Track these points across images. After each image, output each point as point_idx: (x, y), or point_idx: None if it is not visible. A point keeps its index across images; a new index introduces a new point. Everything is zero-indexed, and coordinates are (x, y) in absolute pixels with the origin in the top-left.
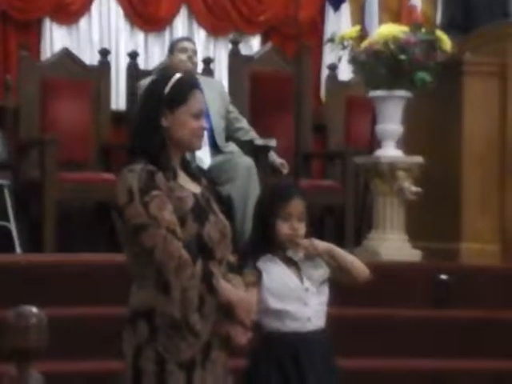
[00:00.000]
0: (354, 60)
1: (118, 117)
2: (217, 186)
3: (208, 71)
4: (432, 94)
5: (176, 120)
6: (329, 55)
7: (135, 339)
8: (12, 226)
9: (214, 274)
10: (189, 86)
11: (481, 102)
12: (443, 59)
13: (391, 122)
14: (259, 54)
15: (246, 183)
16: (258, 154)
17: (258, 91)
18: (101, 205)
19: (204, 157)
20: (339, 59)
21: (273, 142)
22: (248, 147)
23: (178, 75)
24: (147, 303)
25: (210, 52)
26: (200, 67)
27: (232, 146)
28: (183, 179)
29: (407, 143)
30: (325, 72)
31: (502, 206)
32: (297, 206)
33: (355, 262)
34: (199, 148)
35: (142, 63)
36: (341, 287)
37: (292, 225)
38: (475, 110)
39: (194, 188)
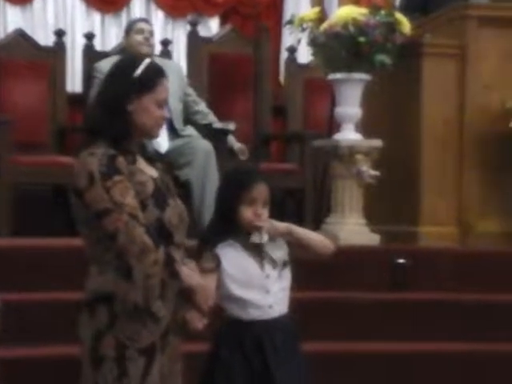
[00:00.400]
0: (313, 42)
1: (74, 99)
2: (174, 170)
3: (166, 53)
4: (391, 76)
5: (141, 106)
6: (288, 37)
7: (94, 324)
8: None
9: (176, 259)
10: (158, 73)
11: (440, 84)
12: (402, 41)
13: (350, 105)
14: (218, 35)
15: (204, 167)
16: (216, 137)
17: (216, 73)
18: (57, 188)
19: (162, 141)
20: (298, 41)
21: (232, 126)
22: (206, 131)
23: (147, 60)
24: (107, 288)
25: (168, 34)
26: (158, 49)
27: (190, 130)
28: (141, 163)
29: (366, 126)
30: (284, 54)
31: (460, 189)
32: (261, 190)
33: (317, 238)
34: (157, 137)
35: (98, 44)
36: (299, 271)
37: (256, 210)
38: (434, 92)
39: (152, 172)
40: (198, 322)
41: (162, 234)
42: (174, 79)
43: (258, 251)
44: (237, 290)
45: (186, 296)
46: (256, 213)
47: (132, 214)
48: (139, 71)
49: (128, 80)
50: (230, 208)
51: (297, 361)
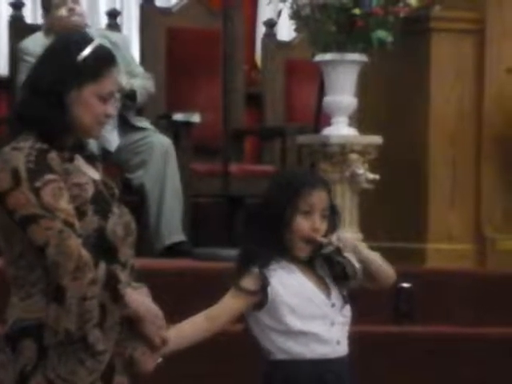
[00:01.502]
0: (296, 15)
1: None
2: (125, 173)
3: (114, 26)
4: (392, 57)
5: (80, 98)
6: (266, 9)
7: (17, 363)
8: None
9: (120, 279)
10: (107, 59)
11: (452, 67)
12: (406, 14)
13: (343, 93)
14: (178, 5)
15: (161, 168)
16: (177, 131)
17: (176, 52)
18: None
19: (111, 136)
20: (278, 14)
21: (196, 117)
22: (164, 123)
23: (96, 43)
24: (34, 316)
25: (117, 3)
26: (104, 21)
27: (144, 122)
28: (80, 162)
29: (362, 119)
30: (261, 30)
31: (477, 197)
32: (321, 198)
33: (384, 265)
34: (97, 137)
35: (28, 16)
36: None
37: (314, 223)
38: (445, 77)
39: (93, 173)
40: (149, 361)
41: (103, 247)
42: (121, 57)
43: (316, 276)
44: (295, 322)
45: (132, 326)
46: (314, 227)
47: (67, 221)
48: (84, 54)
49: (68, 64)
50: (281, 218)
51: None
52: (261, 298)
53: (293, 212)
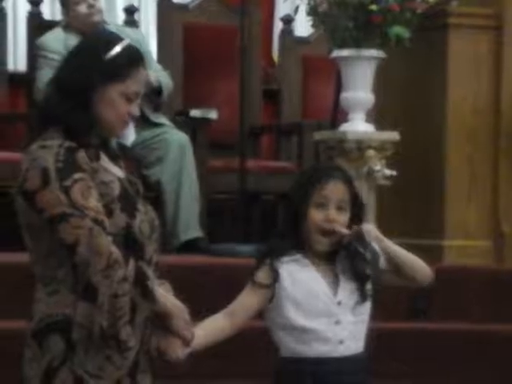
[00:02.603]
0: (313, 11)
1: (15, 80)
2: (143, 169)
3: (131, 23)
4: (410, 53)
5: (106, 97)
6: (283, 5)
7: (44, 359)
8: None
9: (149, 275)
10: (135, 59)
11: (470, 63)
12: (424, 10)
13: (360, 89)
14: (195, 2)
15: (178, 165)
16: (194, 128)
17: (193, 49)
18: None
19: (128, 132)
20: (296, 10)
21: (213, 114)
22: (182, 120)
23: (125, 42)
24: (62, 313)
25: (134, 0)
26: (121, 18)
27: (162, 118)
28: (105, 161)
29: (379, 115)
30: (278, 26)
31: (495, 194)
32: (335, 189)
33: (414, 260)
34: (119, 137)
35: (46, 12)
36: None
37: (328, 214)
38: (463, 72)
39: (117, 171)
40: (179, 351)
41: (130, 245)
42: None
43: (332, 272)
44: (297, 318)
45: (159, 322)
46: (328, 217)
47: (96, 219)
48: (112, 54)
49: (96, 63)
50: (297, 210)
51: None
52: (273, 291)
53: (307, 204)
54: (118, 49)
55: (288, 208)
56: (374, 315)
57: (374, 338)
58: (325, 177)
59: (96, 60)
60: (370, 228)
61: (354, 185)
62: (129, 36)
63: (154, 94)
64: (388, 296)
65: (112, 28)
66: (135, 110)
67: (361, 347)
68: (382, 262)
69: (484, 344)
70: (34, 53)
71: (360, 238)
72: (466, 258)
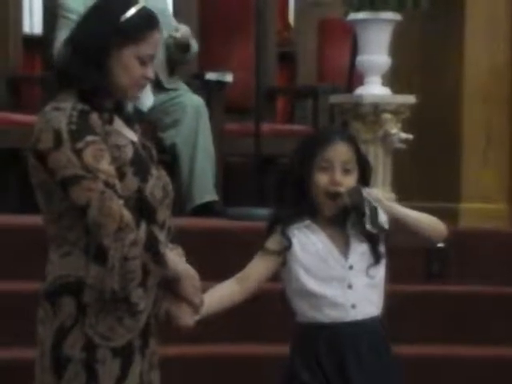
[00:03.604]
0: None
1: (31, 43)
2: (158, 132)
3: None
4: (427, 15)
5: (120, 59)
6: None
7: (56, 319)
8: None
9: (160, 240)
10: (150, 22)
11: (486, 25)
12: None
13: (376, 53)
14: None
15: (194, 128)
16: (210, 91)
17: (208, 12)
18: (9, 153)
19: (144, 96)
20: None
21: (228, 77)
22: (197, 83)
23: (140, 5)
24: (74, 274)
25: None
26: None
27: (177, 82)
28: (118, 124)
29: (396, 79)
30: None
31: None
32: (339, 151)
33: (425, 219)
34: (134, 99)
35: None
36: None
37: (333, 176)
38: (479, 34)
39: (131, 135)
40: (189, 318)
41: (142, 209)
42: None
43: (342, 236)
44: (310, 284)
45: (170, 286)
46: (333, 179)
47: (108, 182)
48: (127, 16)
49: (111, 24)
50: (302, 174)
51: (391, 372)
52: (285, 257)
53: (312, 169)
54: (133, 11)
55: (293, 175)
56: (390, 278)
57: (391, 302)
58: (327, 140)
59: (111, 22)
60: (371, 191)
61: (359, 145)
62: (156, 6)
63: (179, 48)
64: (403, 260)
65: None
66: (150, 72)
67: (375, 311)
68: (386, 221)
69: (499, 305)
70: (54, 12)
71: (357, 195)
72: (482, 221)
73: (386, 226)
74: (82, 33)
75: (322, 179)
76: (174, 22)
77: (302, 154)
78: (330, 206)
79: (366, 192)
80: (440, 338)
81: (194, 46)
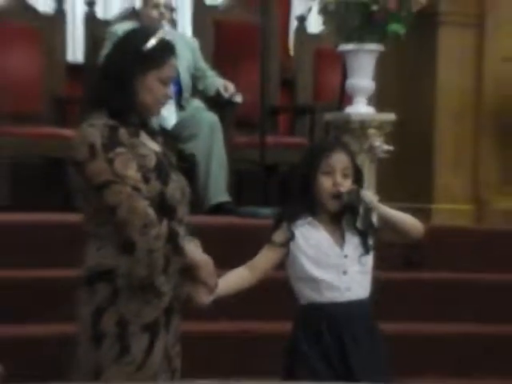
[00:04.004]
0: (324, 10)
1: (74, 69)
2: (179, 144)
3: (171, 21)
4: (405, 46)
5: (145, 82)
6: (298, 6)
7: (94, 300)
8: None
9: (179, 234)
10: (168, 49)
11: (456, 54)
12: (417, 9)
13: (362, 77)
14: (224, 2)
15: (209, 140)
16: (222, 109)
17: (222, 42)
18: (54, 161)
19: (169, 115)
20: (309, 10)
21: (238, 98)
22: (212, 103)
23: (159, 35)
24: (108, 263)
25: (173, 1)
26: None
27: (196, 102)
28: (143, 137)
29: (379, 99)
30: (293, 24)
31: (477, 164)
32: (339, 159)
33: (405, 218)
34: (157, 115)
35: (100, 12)
36: None
37: (335, 180)
38: (450, 63)
39: (155, 146)
40: (205, 297)
41: (164, 208)
42: (186, 53)
43: (338, 229)
44: (311, 270)
45: (189, 273)
46: (335, 182)
47: (135, 186)
48: (149, 45)
49: (136, 53)
50: (308, 178)
51: (377, 349)
52: (288, 248)
53: (316, 173)
54: (153, 41)
55: (299, 177)
56: (375, 266)
57: (376, 287)
58: (330, 149)
59: (136, 51)
60: (367, 194)
61: (354, 156)
62: (186, 42)
63: (228, 105)
64: (387, 251)
65: (175, 34)
66: (169, 92)
67: (365, 294)
68: (376, 221)
69: (468, 289)
70: (97, 39)
71: (355, 195)
72: (451, 219)
73: (375, 225)
74: (111, 62)
75: (325, 182)
76: (204, 64)
77: (308, 161)
78: (332, 204)
79: (362, 193)
80: (418, 317)
81: (238, 99)
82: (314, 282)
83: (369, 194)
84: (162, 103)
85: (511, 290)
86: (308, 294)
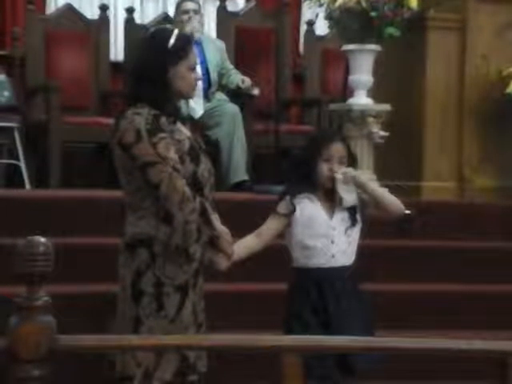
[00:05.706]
0: (329, 16)
1: (116, 67)
2: (205, 131)
3: (201, 25)
4: (399, 47)
5: (177, 73)
6: (307, 12)
7: (134, 264)
8: (22, 165)
9: (208, 209)
10: (188, 41)
11: (442, 54)
12: (409, 15)
13: (363, 73)
14: (244, 10)
15: (231, 128)
16: (243, 101)
17: (242, 44)
18: (100, 146)
19: (197, 107)
20: (316, 16)
21: (256, 91)
22: (234, 96)
23: (176, 32)
24: (148, 232)
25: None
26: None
27: (220, 95)
28: (178, 124)
29: (376, 92)
30: (303, 27)
31: (460, 148)
32: (338, 149)
33: (391, 198)
34: (192, 97)
35: (138, 18)
36: None
37: (332, 166)
38: (437, 60)
39: (186, 132)
40: (224, 263)
41: (196, 186)
42: (217, 55)
43: (331, 205)
44: (305, 238)
45: (211, 241)
46: (331, 168)
47: (175, 167)
48: (172, 42)
49: (164, 52)
50: (310, 163)
51: (359, 307)
52: (290, 219)
53: (317, 159)
54: (174, 38)
55: (302, 162)
56: (368, 235)
57: (368, 253)
58: (330, 140)
59: (163, 48)
60: (351, 174)
61: (349, 144)
62: (215, 44)
63: (247, 96)
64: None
65: (207, 38)
66: (197, 75)
67: (349, 261)
68: (354, 199)
69: (452, 253)
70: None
71: (348, 178)
72: (438, 195)
73: (354, 203)
74: (144, 63)
75: (324, 167)
76: (225, 56)
77: (311, 149)
78: (328, 184)
79: (355, 174)
80: (408, 277)
81: (255, 92)
82: (306, 249)
83: (361, 175)
84: (195, 86)
85: (490, 253)
86: (300, 259)
